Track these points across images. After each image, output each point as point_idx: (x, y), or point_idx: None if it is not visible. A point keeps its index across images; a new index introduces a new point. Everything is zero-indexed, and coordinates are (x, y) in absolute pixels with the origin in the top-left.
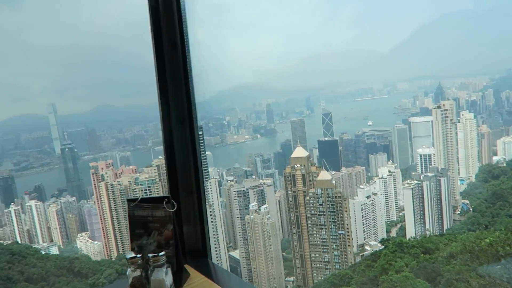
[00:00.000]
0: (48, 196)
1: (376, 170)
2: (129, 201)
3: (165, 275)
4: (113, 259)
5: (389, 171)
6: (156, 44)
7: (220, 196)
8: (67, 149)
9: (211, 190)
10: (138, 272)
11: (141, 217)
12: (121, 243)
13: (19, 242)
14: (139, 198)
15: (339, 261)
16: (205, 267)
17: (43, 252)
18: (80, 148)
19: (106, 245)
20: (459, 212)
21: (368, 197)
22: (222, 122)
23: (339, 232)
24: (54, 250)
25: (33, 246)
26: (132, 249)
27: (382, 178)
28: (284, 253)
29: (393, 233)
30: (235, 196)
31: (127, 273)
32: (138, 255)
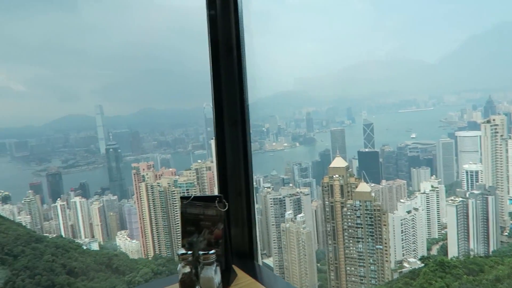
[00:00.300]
0: (91, 194)
1: (418, 184)
2: (183, 198)
3: (214, 273)
4: (150, 259)
5: (432, 186)
6: (212, 47)
7: (256, 203)
8: (111, 149)
9: None
10: (188, 269)
11: (193, 215)
12: (158, 243)
13: (63, 236)
14: (192, 196)
15: (376, 276)
16: (251, 268)
17: (85, 247)
18: (124, 149)
19: (143, 244)
20: (507, 233)
21: (408, 212)
22: (261, 129)
23: (377, 246)
24: (95, 246)
25: (76, 241)
26: (183, 246)
27: (424, 193)
28: (318, 264)
29: (434, 251)
30: (271, 204)
31: (178, 268)
32: (189, 252)
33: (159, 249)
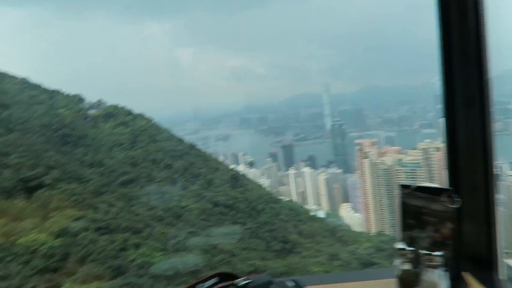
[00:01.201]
0: (318, 166)
1: None
2: (403, 187)
3: (439, 279)
4: (372, 234)
5: None
6: (442, 12)
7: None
8: (336, 125)
9: None
10: (408, 266)
11: (414, 207)
12: (381, 220)
13: (294, 201)
14: (415, 186)
15: None
16: (489, 281)
17: (312, 214)
18: (347, 125)
19: (366, 219)
20: None
21: None
22: (505, 106)
23: None
24: (321, 214)
25: (304, 207)
26: (403, 240)
27: None
28: None
29: None
30: None
31: (395, 263)
32: (409, 248)
33: (382, 226)
